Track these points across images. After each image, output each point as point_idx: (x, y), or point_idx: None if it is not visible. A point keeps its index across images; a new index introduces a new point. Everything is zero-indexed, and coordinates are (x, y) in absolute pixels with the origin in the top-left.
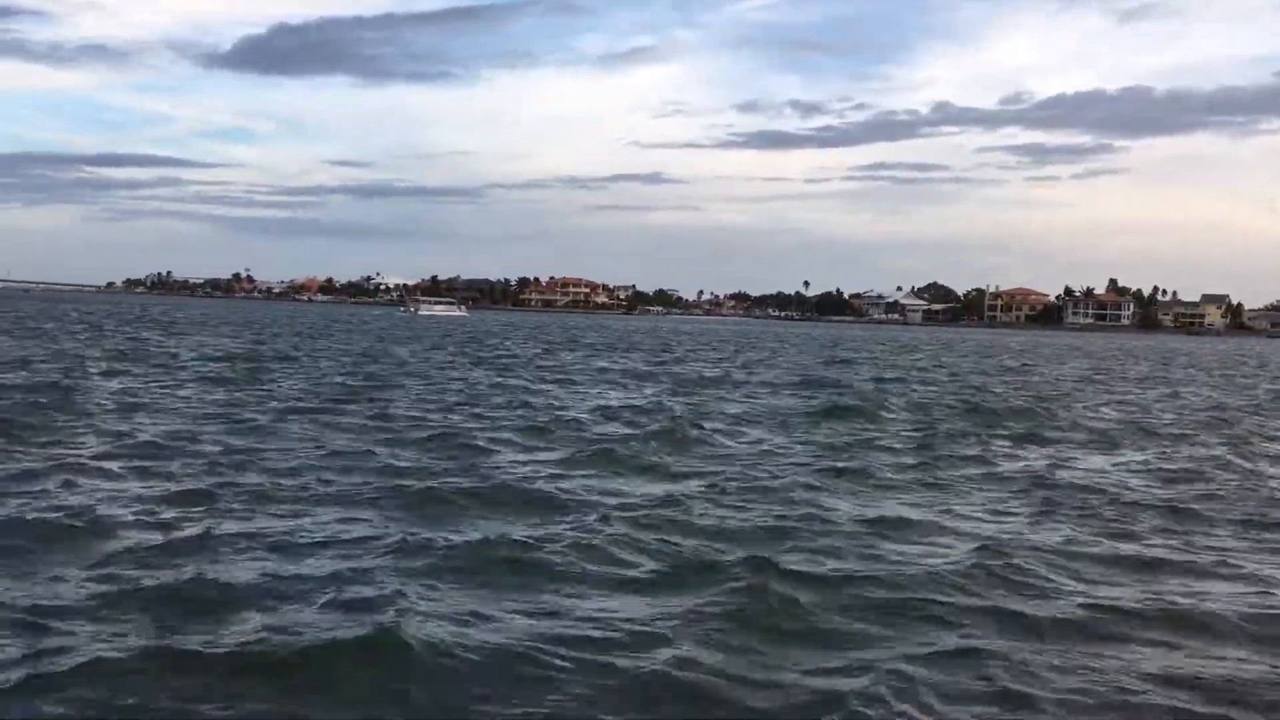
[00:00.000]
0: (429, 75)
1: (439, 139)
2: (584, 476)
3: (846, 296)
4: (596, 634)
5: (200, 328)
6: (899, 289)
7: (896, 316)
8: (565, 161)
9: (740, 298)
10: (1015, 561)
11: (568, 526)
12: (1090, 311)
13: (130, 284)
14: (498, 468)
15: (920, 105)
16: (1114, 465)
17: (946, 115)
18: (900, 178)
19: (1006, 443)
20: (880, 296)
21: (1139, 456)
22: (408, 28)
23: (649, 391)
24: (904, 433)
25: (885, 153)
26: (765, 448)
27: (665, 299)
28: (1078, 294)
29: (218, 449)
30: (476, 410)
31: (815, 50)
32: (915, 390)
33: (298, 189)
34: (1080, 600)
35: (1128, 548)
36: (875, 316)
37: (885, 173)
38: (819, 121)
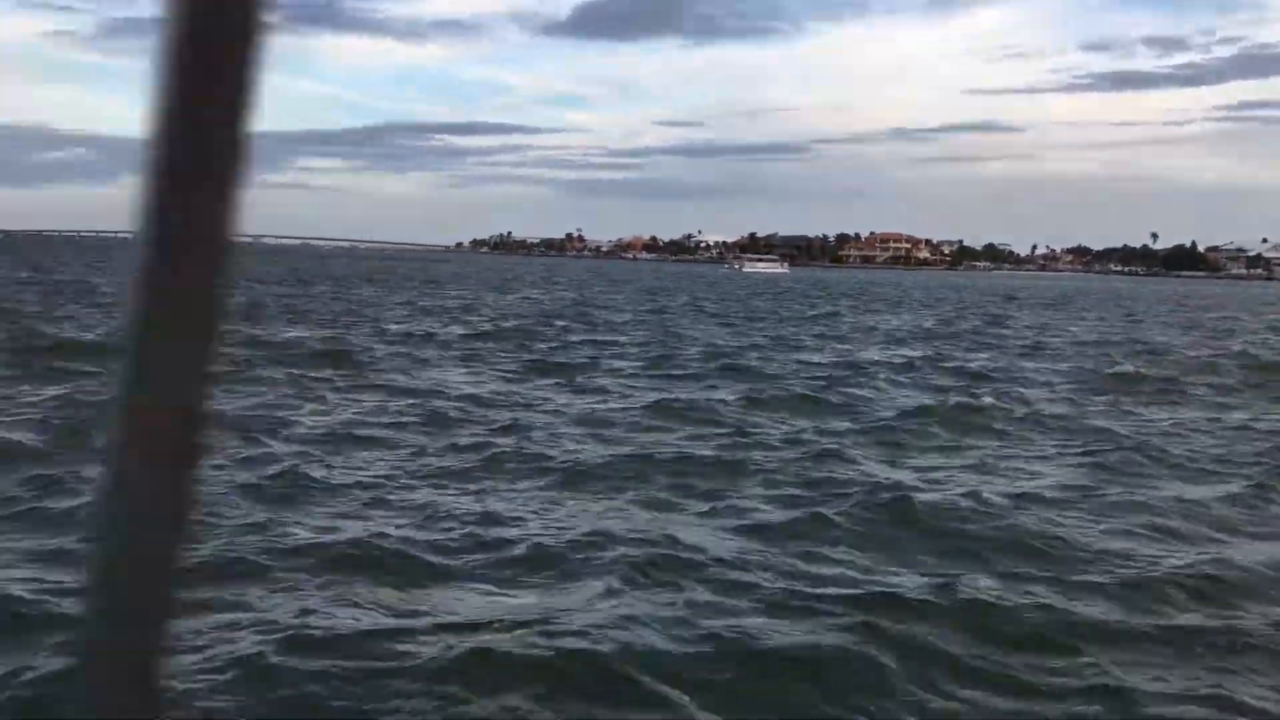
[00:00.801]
0: (756, 31)
1: (765, 95)
2: None
3: (1202, 250)
4: None
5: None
6: (1264, 241)
7: (1260, 272)
8: (892, 113)
9: (1079, 252)
10: None
11: None
12: None
13: (476, 244)
14: None
15: None
16: None
17: None
18: (1273, 118)
19: None
20: (1241, 250)
21: None
22: None
23: None
24: None
25: (1255, 91)
26: None
27: (995, 254)
28: None
29: None
30: None
31: None
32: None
33: (628, 150)
34: None
35: None
36: (1233, 272)
37: (1255, 113)
38: (1179, 59)
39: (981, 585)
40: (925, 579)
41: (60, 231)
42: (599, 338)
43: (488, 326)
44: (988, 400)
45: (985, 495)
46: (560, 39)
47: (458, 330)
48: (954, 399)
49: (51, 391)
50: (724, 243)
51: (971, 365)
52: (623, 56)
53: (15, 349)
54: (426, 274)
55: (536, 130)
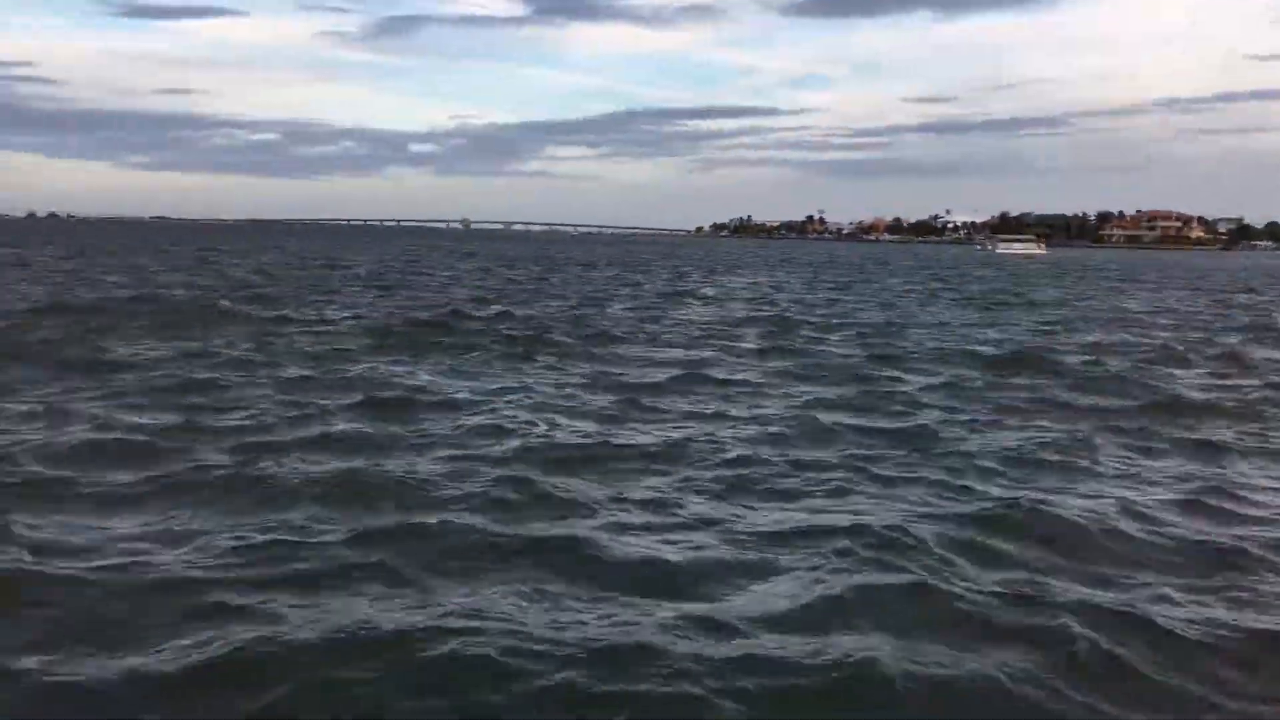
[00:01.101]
0: (1010, 1)
1: (1018, 67)
2: None
3: None
4: None
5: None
6: None
7: None
8: (1160, 82)
9: None
10: None
11: None
12: None
13: (716, 228)
14: None
15: None
16: None
17: None
18: None
19: None
20: None
21: None
22: None
23: None
24: None
25: None
26: None
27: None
28: None
29: None
30: None
31: None
32: None
33: (871, 130)
34: None
35: None
36: None
37: None
38: None
39: None
40: None
41: (333, 219)
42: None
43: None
44: None
45: None
46: (802, 18)
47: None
48: None
49: None
50: (972, 223)
51: None
52: (867, 33)
53: None
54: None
55: (777, 112)
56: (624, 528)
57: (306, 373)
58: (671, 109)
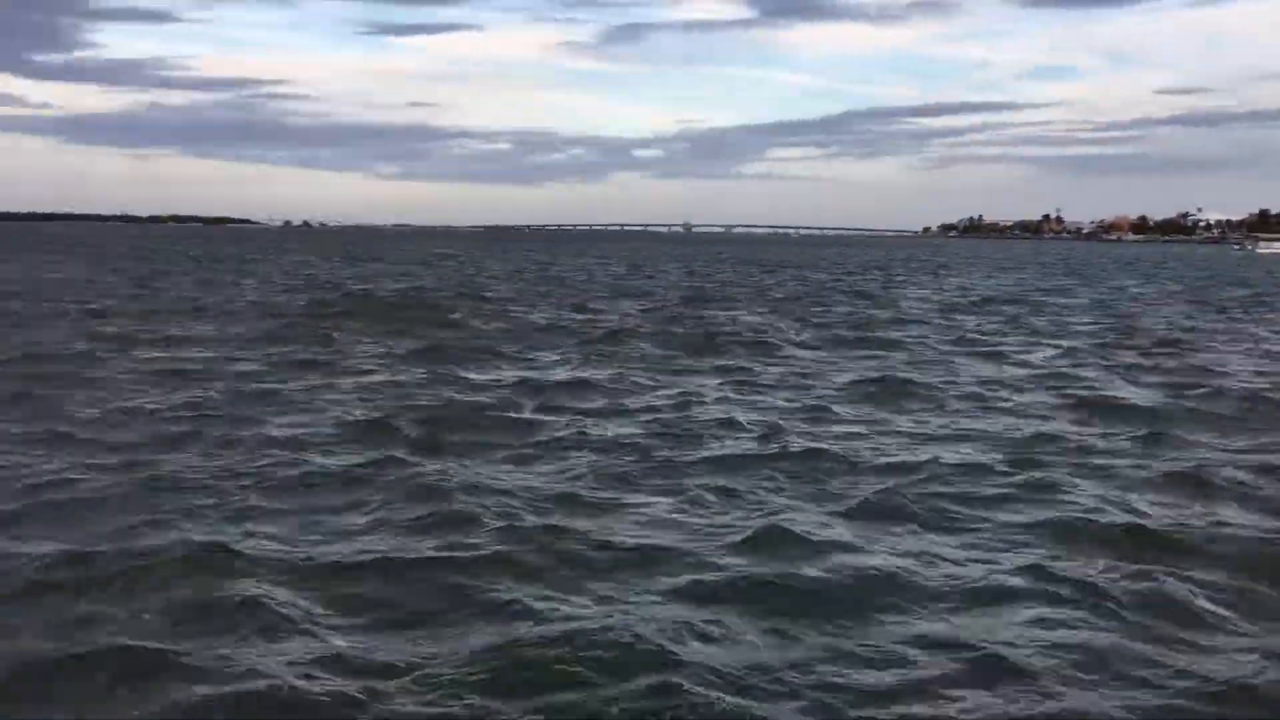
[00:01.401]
0: None
1: None
2: None
3: None
4: None
5: None
6: None
7: None
8: None
9: None
10: None
11: None
12: None
13: (945, 228)
14: None
15: None
16: None
17: None
18: None
19: None
20: None
21: None
22: None
23: None
24: None
25: None
26: None
27: None
28: None
29: None
30: None
31: None
32: None
33: (1118, 124)
34: None
35: None
36: None
37: None
38: None
39: None
40: None
41: (560, 226)
42: None
43: None
44: None
45: None
46: (1041, 8)
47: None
48: None
49: None
50: (1227, 221)
51: None
52: (1118, 21)
53: None
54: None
55: (1012, 106)
56: None
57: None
58: (898, 107)
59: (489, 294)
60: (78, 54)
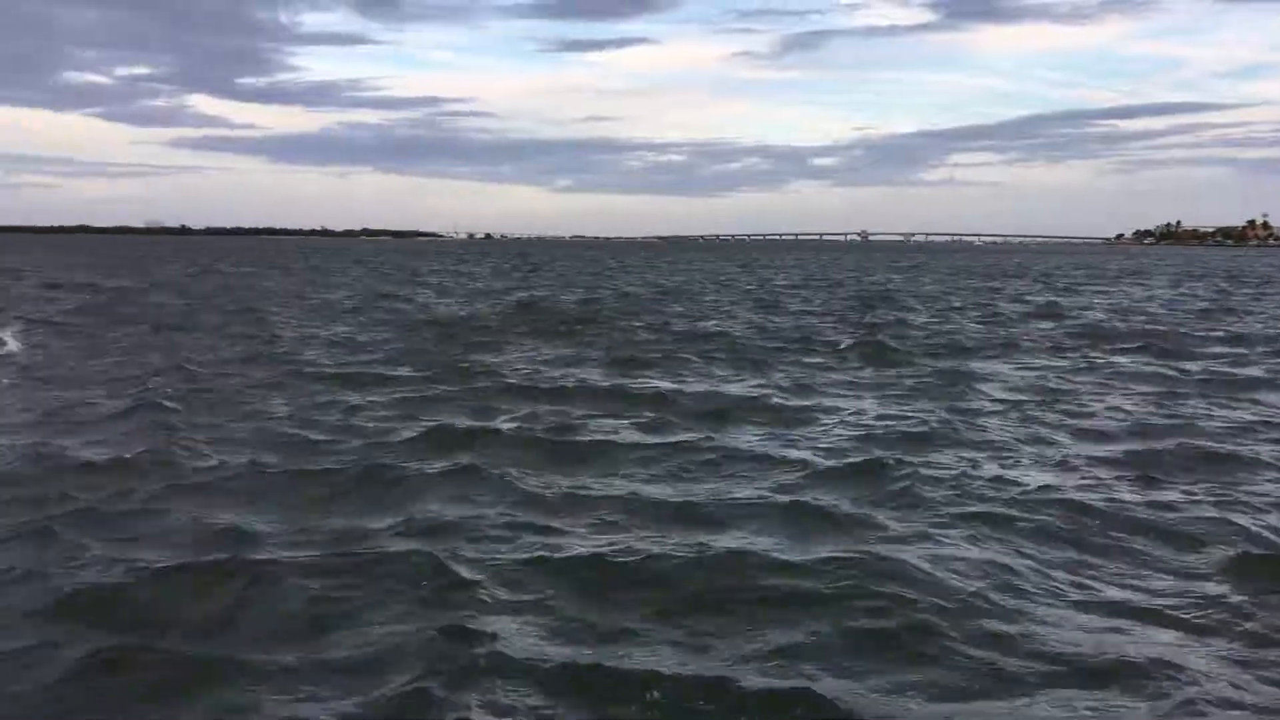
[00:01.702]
0: None
1: None
2: None
3: None
4: None
5: None
6: None
7: None
8: None
9: None
10: None
11: None
12: None
13: (1139, 235)
14: None
15: None
16: None
17: None
18: None
19: None
20: None
21: None
22: None
23: None
24: None
25: None
26: None
27: None
28: None
29: None
30: None
31: None
32: None
33: None
34: None
35: None
36: None
37: None
38: None
39: None
40: None
41: (734, 236)
42: None
43: None
44: None
45: None
46: (1244, 2)
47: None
48: None
49: None
50: None
51: None
52: None
53: None
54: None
55: (1214, 107)
56: None
57: None
58: (1089, 109)
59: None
60: (280, 77)
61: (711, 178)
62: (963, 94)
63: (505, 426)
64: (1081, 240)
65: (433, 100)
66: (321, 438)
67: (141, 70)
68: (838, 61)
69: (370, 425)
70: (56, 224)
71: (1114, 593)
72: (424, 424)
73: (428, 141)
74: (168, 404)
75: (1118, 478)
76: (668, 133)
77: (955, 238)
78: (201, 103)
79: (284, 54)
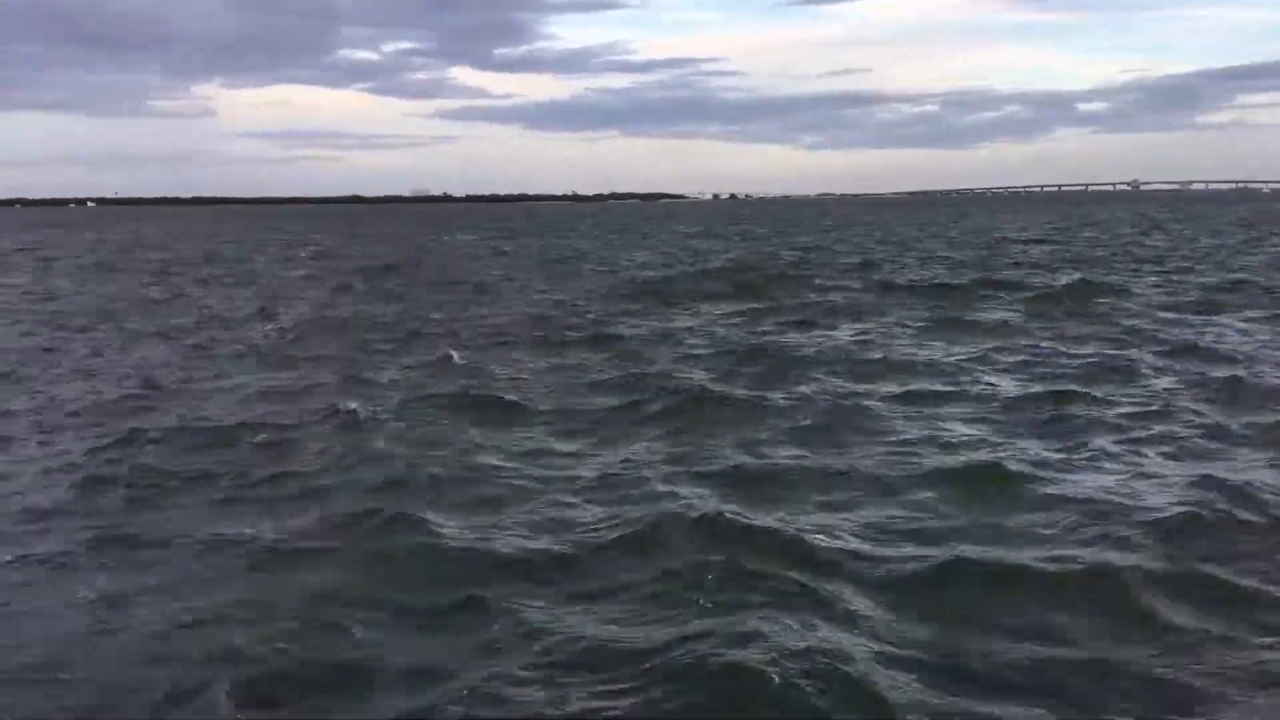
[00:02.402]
0: None
1: None
2: None
3: None
4: None
5: None
6: None
7: None
8: None
9: None
10: None
11: None
12: None
13: None
14: None
15: None
16: None
17: None
18: None
19: None
20: None
21: None
22: None
23: None
24: None
25: None
26: None
27: None
28: None
29: None
30: None
31: None
32: None
33: None
34: None
35: None
36: None
37: None
38: None
39: None
40: None
41: (989, 189)
42: None
43: None
44: None
45: None
46: None
47: None
48: None
49: None
50: None
51: None
52: None
53: None
54: None
55: None
56: None
57: None
58: None
59: None
60: (535, 45)
61: (966, 129)
62: (1250, 27)
63: None
64: None
65: (682, 61)
66: None
67: (405, 45)
68: (1105, 0)
69: None
70: (331, 195)
71: None
72: None
73: (676, 103)
74: None
75: None
76: (918, 83)
77: (1238, 185)
78: (462, 74)
79: (540, 23)
